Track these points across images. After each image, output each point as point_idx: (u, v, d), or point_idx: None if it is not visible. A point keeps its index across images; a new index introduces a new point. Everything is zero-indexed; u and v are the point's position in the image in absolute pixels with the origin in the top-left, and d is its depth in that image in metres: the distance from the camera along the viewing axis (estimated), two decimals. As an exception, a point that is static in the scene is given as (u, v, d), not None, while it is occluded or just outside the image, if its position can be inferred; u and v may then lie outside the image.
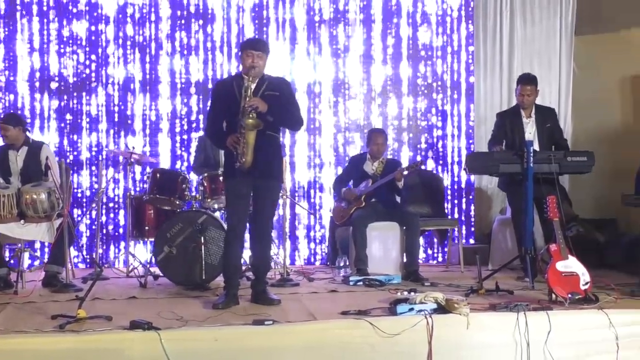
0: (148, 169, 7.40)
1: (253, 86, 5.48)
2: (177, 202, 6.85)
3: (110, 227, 8.25)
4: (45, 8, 8.17)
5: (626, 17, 8.78)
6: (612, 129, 8.75)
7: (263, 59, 5.58)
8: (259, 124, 5.38)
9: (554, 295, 5.36)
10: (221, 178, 6.50)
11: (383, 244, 7.35)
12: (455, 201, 8.94)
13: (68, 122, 8.23)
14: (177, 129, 8.36)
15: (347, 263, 7.33)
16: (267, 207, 5.74)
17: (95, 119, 8.25)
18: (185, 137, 8.37)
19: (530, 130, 7.06)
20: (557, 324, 4.93)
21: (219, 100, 5.72)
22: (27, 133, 6.76)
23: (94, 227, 7.87)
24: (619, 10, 8.87)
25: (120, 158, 7.75)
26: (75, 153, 8.21)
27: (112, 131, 8.26)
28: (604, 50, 8.84)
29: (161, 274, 6.66)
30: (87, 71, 8.26)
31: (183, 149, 8.37)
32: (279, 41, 8.53)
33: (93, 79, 8.26)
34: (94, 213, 7.84)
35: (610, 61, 8.76)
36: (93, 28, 8.25)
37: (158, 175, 6.92)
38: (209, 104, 6.15)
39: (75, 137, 8.22)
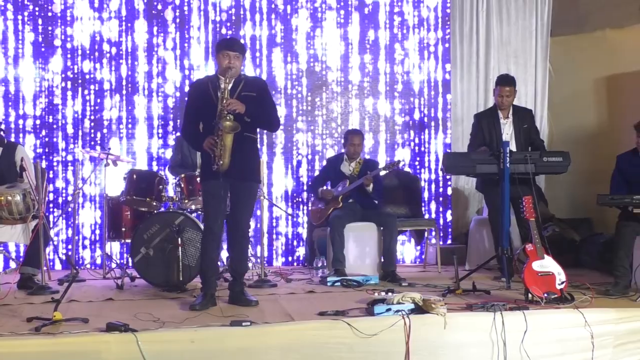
0: (125, 170, 7.36)
1: (229, 87, 5.47)
2: (154, 203, 6.82)
3: (87, 228, 8.19)
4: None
5: (601, 18, 8.86)
6: (588, 129, 8.81)
7: (240, 60, 5.57)
8: (236, 127, 5.37)
9: (530, 295, 5.40)
10: (198, 179, 6.52)
11: (360, 244, 7.36)
12: (432, 201, 8.97)
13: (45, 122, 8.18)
14: (154, 130, 8.32)
15: (325, 264, 7.33)
16: (245, 208, 5.73)
17: (73, 120, 8.19)
18: (161, 139, 8.34)
19: (507, 131, 7.09)
20: (534, 323, 4.96)
21: (195, 101, 5.70)
22: (2, 133, 6.70)
23: (70, 228, 7.82)
24: (594, 11, 8.95)
25: (97, 159, 7.70)
26: (51, 154, 8.14)
27: (89, 132, 8.20)
28: (579, 51, 8.91)
29: (138, 276, 6.63)
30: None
31: (160, 150, 8.32)
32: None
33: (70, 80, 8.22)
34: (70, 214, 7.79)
35: (585, 62, 8.83)
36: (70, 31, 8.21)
37: (135, 176, 6.87)
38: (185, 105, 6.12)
39: (51, 138, 8.15)
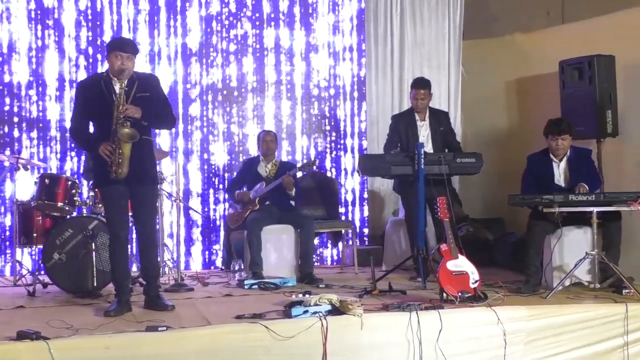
0: (36, 174, 7.18)
1: (122, 90, 5.39)
2: (67, 208, 6.69)
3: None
4: None
5: (510, 22, 9.08)
6: (500, 131, 9.00)
7: (132, 61, 5.48)
8: (135, 136, 5.30)
9: (445, 294, 5.49)
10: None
11: (278, 246, 7.35)
12: (349, 203, 9.02)
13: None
14: (67, 133, 8.12)
15: (242, 267, 7.30)
16: (148, 211, 5.70)
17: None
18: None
19: (424, 134, 7.20)
20: (448, 322, 5.05)
21: (85, 101, 5.57)
22: None
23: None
24: (503, 15, 9.17)
25: (6, 163, 7.48)
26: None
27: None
28: (490, 54, 9.09)
29: (50, 282, 6.49)
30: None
31: (73, 153, 8.14)
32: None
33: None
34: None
35: (496, 65, 9.02)
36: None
37: (46, 180, 6.72)
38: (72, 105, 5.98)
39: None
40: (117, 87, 5.39)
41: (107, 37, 8.06)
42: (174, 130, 7.98)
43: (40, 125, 8.04)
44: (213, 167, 8.55)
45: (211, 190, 8.55)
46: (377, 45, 9.07)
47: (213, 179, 8.56)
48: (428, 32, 9.19)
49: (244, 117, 8.68)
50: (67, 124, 8.01)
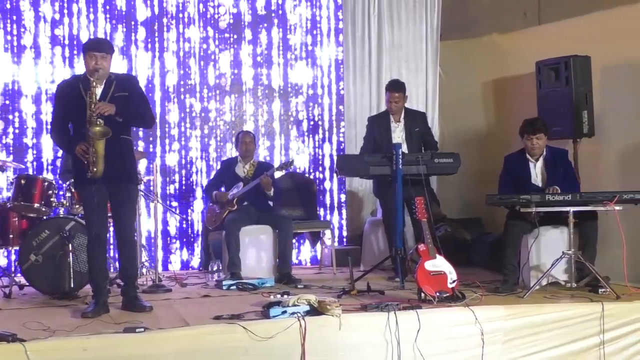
0: (12, 175, 7.13)
1: (99, 91, 5.39)
2: (44, 209, 6.64)
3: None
4: None
5: (488, 23, 9.12)
6: (477, 131, 9.03)
7: (107, 60, 5.47)
8: (107, 132, 5.28)
9: (423, 294, 5.50)
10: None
11: (256, 247, 7.34)
12: (327, 203, 9.02)
13: None
14: (43, 133, 8.07)
15: (221, 267, 7.29)
16: (127, 211, 5.69)
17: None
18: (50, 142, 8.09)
19: (399, 135, 7.21)
20: (426, 322, 5.06)
21: (64, 102, 5.56)
22: None
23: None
24: (481, 16, 9.21)
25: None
26: None
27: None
28: (468, 55, 9.13)
29: (27, 283, 6.44)
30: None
31: (50, 154, 8.08)
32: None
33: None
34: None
35: (474, 66, 9.05)
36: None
37: (23, 181, 6.65)
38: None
39: None
40: (96, 89, 5.37)
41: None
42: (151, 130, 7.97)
43: (17, 125, 7.99)
44: (191, 167, 8.53)
45: (189, 191, 8.54)
46: (355, 47, 9.08)
47: (190, 180, 8.53)
48: (406, 34, 9.21)
49: (223, 116, 8.67)
50: (44, 125, 8.01)
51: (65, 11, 8.10)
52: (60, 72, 7.98)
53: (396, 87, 7.26)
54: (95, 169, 5.32)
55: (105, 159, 5.34)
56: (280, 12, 8.88)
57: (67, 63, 8.09)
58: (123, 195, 5.60)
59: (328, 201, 9.03)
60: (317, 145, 9.01)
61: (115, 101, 5.38)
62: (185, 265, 8.47)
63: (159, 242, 7.36)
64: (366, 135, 7.46)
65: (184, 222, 8.45)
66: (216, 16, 8.66)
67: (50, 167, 8.03)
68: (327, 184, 9.04)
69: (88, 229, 5.67)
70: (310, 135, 8.99)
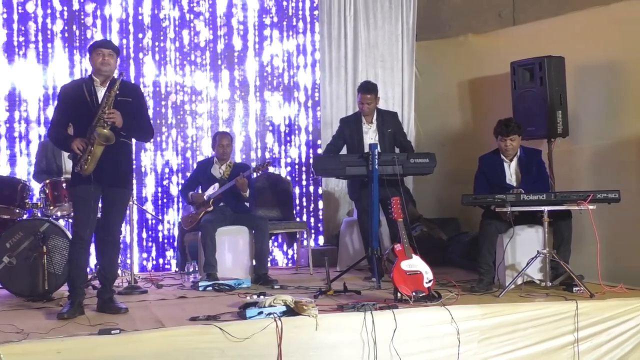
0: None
1: (101, 93, 5.41)
2: (17, 211, 6.59)
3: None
4: None
5: (463, 23, 9.16)
6: (453, 131, 9.06)
7: (114, 58, 5.53)
8: (111, 138, 5.30)
9: (399, 294, 5.51)
10: (64, 184, 6.42)
11: (232, 248, 7.33)
12: (304, 204, 9.02)
13: None
14: (16, 134, 8.01)
15: (197, 268, 7.26)
16: (117, 214, 5.66)
17: None
18: (24, 143, 8.04)
19: (371, 136, 7.23)
20: (402, 321, 5.07)
21: (67, 104, 5.57)
22: None
23: None
24: (456, 17, 9.25)
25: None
26: None
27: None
28: (443, 55, 9.16)
29: (1, 286, 6.39)
30: None
31: (23, 155, 8.02)
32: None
33: None
34: None
35: (449, 66, 9.09)
36: None
37: (-5, 183, 6.63)
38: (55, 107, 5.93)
39: None
40: (99, 91, 5.43)
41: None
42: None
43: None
44: (166, 168, 8.50)
45: (165, 192, 8.51)
46: (331, 48, 9.09)
47: (165, 182, 8.51)
48: (381, 34, 9.24)
49: (198, 117, 8.66)
50: (17, 126, 7.95)
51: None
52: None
53: (368, 89, 7.27)
54: (85, 167, 5.32)
55: (103, 161, 5.35)
56: (257, 6, 8.88)
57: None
58: (116, 198, 5.59)
59: (304, 202, 9.03)
60: (292, 145, 9.00)
61: (118, 104, 5.39)
62: (160, 266, 8.44)
63: (135, 243, 7.34)
64: (335, 134, 7.49)
65: (160, 222, 8.42)
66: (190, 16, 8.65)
67: (25, 169, 7.98)
68: (303, 185, 9.04)
69: (74, 228, 5.64)
70: (287, 135, 8.98)
